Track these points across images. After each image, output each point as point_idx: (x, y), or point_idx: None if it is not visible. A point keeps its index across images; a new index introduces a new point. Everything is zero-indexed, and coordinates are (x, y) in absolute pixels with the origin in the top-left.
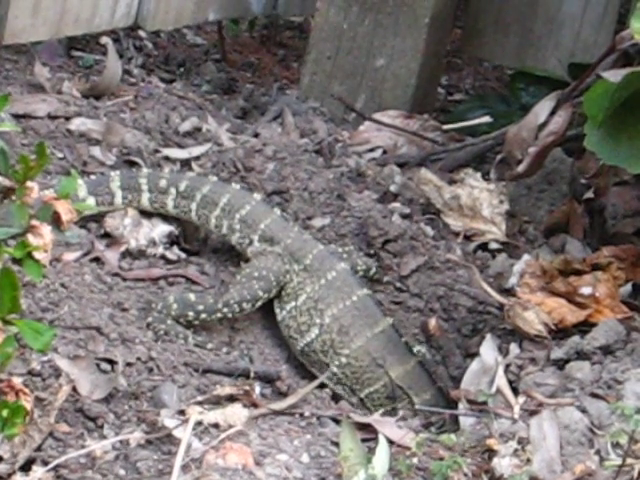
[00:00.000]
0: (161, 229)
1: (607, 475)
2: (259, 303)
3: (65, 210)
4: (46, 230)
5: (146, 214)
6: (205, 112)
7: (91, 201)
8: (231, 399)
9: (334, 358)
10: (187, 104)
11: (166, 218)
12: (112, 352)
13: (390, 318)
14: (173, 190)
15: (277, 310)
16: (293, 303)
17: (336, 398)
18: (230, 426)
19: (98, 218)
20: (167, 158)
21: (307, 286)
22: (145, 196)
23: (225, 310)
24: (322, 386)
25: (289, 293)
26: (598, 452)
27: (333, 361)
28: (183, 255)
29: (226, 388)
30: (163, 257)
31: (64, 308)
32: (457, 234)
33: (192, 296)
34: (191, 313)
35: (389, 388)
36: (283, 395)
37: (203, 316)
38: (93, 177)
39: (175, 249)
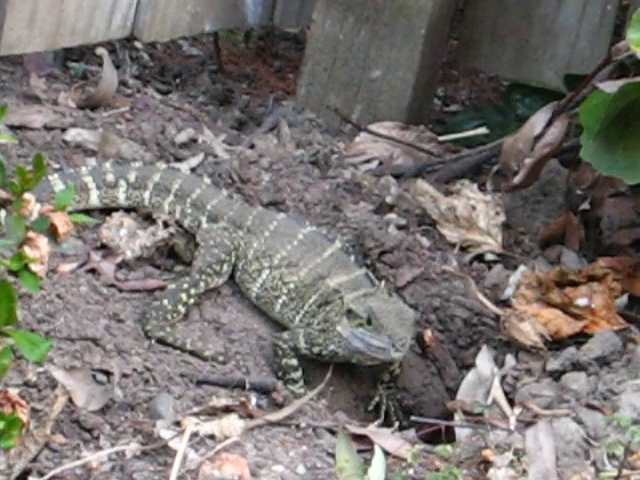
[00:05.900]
0: (156, 239)
1: None
2: (226, 266)
3: (62, 222)
4: (43, 242)
5: (141, 225)
6: (201, 123)
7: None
8: (227, 410)
9: (283, 289)
10: (183, 115)
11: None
12: (108, 363)
13: (339, 242)
14: (123, 182)
15: (236, 275)
16: (243, 260)
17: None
18: (226, 437)
19: (94, 229)
20: None
21: (253, 242)
22: (94, 194)
23: (204, 277)
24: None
25: (239, 256)
26: (594, 463)
27: (282, 292)
28: (179, 267)
29: (222, 399)
30: (158, 267)
31: (60, 319)
32: (453, 245)
33: (172, 285)
34: (183, 295)
35: (324, 295)
36: (279, 406)
37: (193, 291)
38: None
39: (170, 260)
